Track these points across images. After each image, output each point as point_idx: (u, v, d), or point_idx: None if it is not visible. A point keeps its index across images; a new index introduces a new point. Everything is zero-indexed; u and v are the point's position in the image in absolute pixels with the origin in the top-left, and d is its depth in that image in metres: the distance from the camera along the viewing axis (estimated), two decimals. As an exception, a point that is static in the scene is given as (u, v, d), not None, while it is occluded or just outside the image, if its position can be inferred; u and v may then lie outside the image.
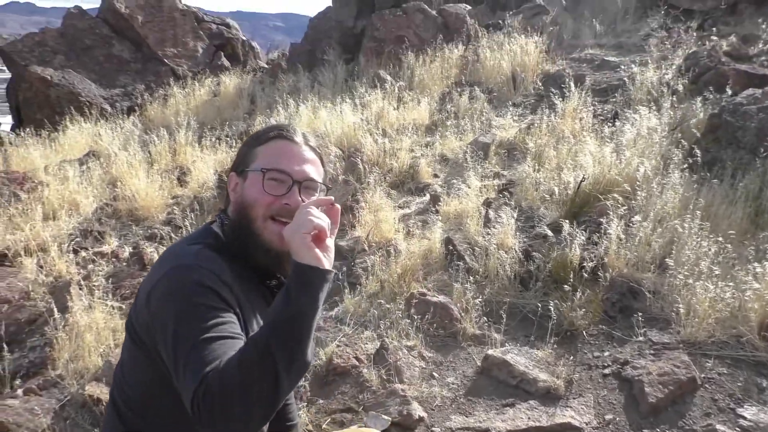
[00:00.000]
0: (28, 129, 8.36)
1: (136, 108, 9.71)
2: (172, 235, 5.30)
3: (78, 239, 5.44)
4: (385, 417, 3.18)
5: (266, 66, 12.71)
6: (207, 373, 1.29)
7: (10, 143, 7.87)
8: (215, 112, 9.25)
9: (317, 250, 1.40)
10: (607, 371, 3.49)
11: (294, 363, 1.31)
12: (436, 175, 6.39)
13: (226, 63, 12.69)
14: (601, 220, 4.50)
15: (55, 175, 6.58)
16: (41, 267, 5.00)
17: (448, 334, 3.96)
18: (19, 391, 3.53)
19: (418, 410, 3.24)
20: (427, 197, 5.81)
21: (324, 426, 3.24)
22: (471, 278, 4.30)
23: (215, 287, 1.48)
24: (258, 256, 1.63)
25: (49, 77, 9.47)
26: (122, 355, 1.73)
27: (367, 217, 5.17)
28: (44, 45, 10.69)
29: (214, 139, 7.02)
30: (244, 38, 13.86)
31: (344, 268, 4.65)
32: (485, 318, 4.02)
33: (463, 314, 4.05)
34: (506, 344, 3.80)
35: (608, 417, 3.14)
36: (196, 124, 7.89)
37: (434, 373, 3.63)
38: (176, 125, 7.46)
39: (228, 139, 7.23)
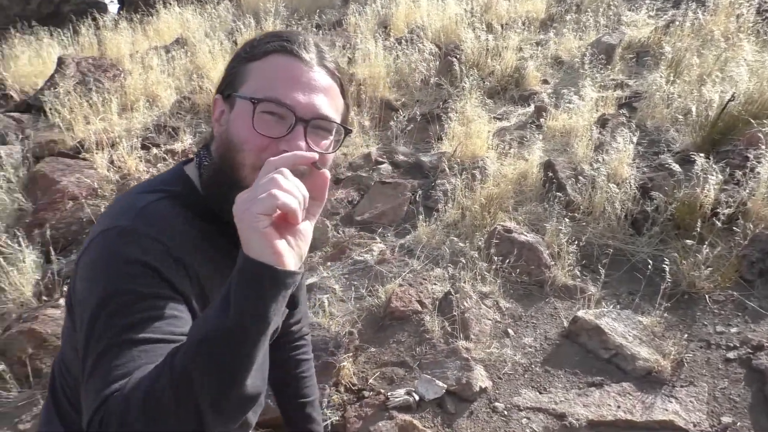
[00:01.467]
0: (128, 12, 8.12)
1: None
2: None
3: (151, 134, 5.17)
4: (440, 383, 2.68)
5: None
6: (110, 394, 0.90)
7: (105, 27, 7.67)
8: (311, 1, 8.54)
9: (277, 242, 0.87)
10: (731, 355, 2.75)
11: (225, 400, 0.88)
12: (545, 81, 5.46)
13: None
14: (749, 153, 3.53)
15: (138, 63, 6.31)
16: (112, 162, 4.80)
17: (534, 282, 3.32)
18: (62, 300, 3.35)
19: (480, 379, 2.71)
20: (531, 108, 4.96)
21: (371, 380, 2.80)
22: (570, 214, 3.57)
23: (156, 264, 1.05)
24: (229, 201, 1.10)
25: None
26: (62, 341, 1.31)
27: (456, 128, 4.46)
28: None
29: (301, 29, 6.38)
30: None
31: (419, 191, 4.04)
32: (581, 266, 3.33)
33: (554, 259, 3.37)
34: (603, 303, 3.12)
35: (725, 419, 2.46)
36: (286, 12, 7.26)
37: (509, 330, 3.05)
38: (264, 12, 6.88)
39: (317, 30, 6.59)
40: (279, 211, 0.85)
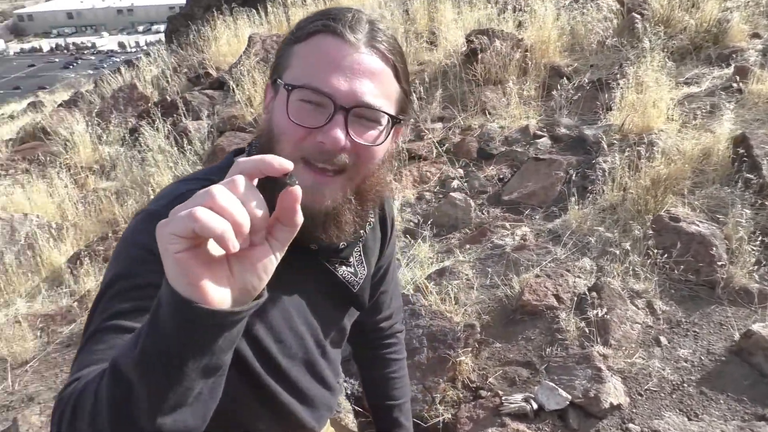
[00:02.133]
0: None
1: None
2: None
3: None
4: (564, 393, 2.36)
5: None
6: (68, 385, 0.86)
7: (294, 4, 8.03)
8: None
9: (194, 271, 0.69)
10: None
11: (127, 424, 0.74)
12: (755, 35, 4.53)
13: None
14: None
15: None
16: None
17: (702, 281, 2.79)
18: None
19: (614, 394, 2.33)
20: (731, 69, 4.15)
21: (490, 379, 2.57)
22: (759, 202, 2.92)
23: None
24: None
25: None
26: None
27: (629, 97, 3.89)
28: None
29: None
30: None
31: (575, 170, 3.60)
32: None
33: (731, 256, 2.79)
34: (792, 315, 2.51)
35: None
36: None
37: (661, 338, 2.60)
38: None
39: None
40: (192, 235, 0.67)
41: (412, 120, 4.54)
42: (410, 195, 3.95)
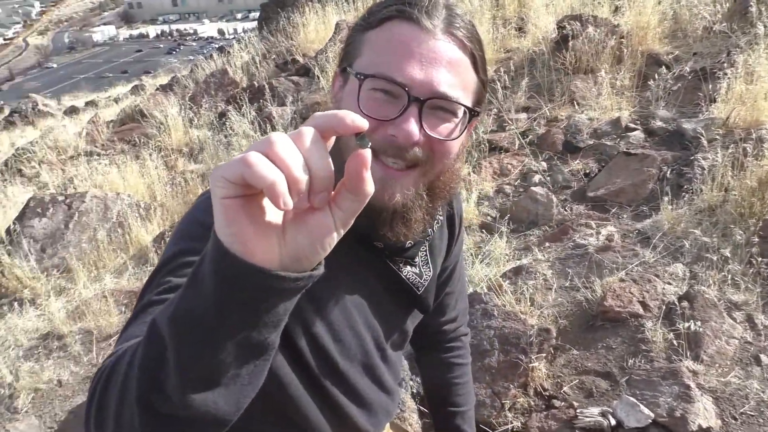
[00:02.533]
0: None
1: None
2: (500, 99, 4.56)
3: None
4: (645, 410, 2.17)
5: None
6: (107, 359, 0.81)
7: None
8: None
9: (239, 222, 0.61)
10: None
11: (159, 398, 0.67)
12: None
13: None
14: None
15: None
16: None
17: (813, 296, 2.49)
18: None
19: (704, 415, 2.12)
20: None
21: (565, 388, 2.42)
22: None
23: None
24: None
25: None
26: None
27: (738, 87, 3.55)
28: None
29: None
30: None
31: (671, 167, 3.32)
32: None
33: None
34: None
35: None
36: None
37: (762, 356, 2.34)
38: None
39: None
40: (244, 183, 0.58)
41: (494, 110, 4.37)
42: (489, 188, 3.79)
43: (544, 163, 3.83)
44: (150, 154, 6.07)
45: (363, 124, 0.62)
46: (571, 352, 2.57)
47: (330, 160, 0.61)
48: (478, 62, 0.99)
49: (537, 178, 3.63)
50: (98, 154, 7.03)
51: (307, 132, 0.60)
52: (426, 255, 1.21)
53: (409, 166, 0.95)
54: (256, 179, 0.56)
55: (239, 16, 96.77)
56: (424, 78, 0.91)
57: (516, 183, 3.81)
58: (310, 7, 8.28)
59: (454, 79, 0.94)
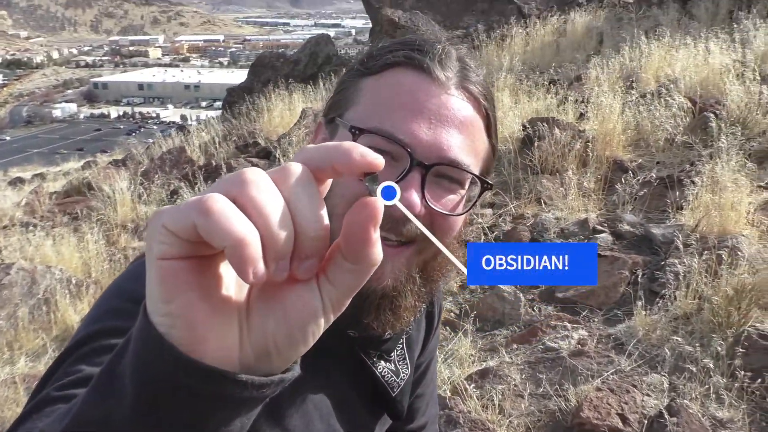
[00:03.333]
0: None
1: (472, 50, 9.18)
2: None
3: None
4: None
5: (629, 0, 10.69)
6: None
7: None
8: (553, 54, 8.03)
9: (185, 295, 0.39)
10: None
11: None
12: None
13: (582, -1, 11.12)
14: None
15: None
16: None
17: (801, 417, 2.31)
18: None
19: None
20: (819, 178, 3.77)
21: None
22: None
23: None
24: None
25: (397, 19, 9.57)
26: None
27: (703, 197, 3.54)
28: (400, -13, 10.95)
29: (532, 84, 5.89)
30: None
31: (642, 270, 3.21)
32: None
33: (838, 389, 2.32)
34: None
35: None
36: (520, 66, 6.84)
37: (754, 484, 2.11)
38: (497, 68, 6.59)
39: (551, 84, 6.04)
40: (205, 238, 0.38)
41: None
42: (453, 283, 3.59)
43: (510, 260, 3.67)
44: (91, 228, 5.69)
45: (377, 160, 0.44)
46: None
47: (324, 211, 0.43)
48: (491, 124, 0.87)
49: (504, 274, 3.46)
50: (35, 225, 6.59)
51: (295, 169, 0.41)
52: (403, 349, 1.03)
53: (403, 242, 0.81)
54: (216, 234, 0.37)
55: (204, 104, 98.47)
56: (431, 139, 0.78)
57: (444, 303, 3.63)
58: (277, 93, 8.31)
59: (466, 144, 0.81)
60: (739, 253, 3.02)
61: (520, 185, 4.38)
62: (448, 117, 0.80)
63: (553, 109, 5.43)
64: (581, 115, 5.10)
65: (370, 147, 0.70)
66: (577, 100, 5.36)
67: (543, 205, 4.14)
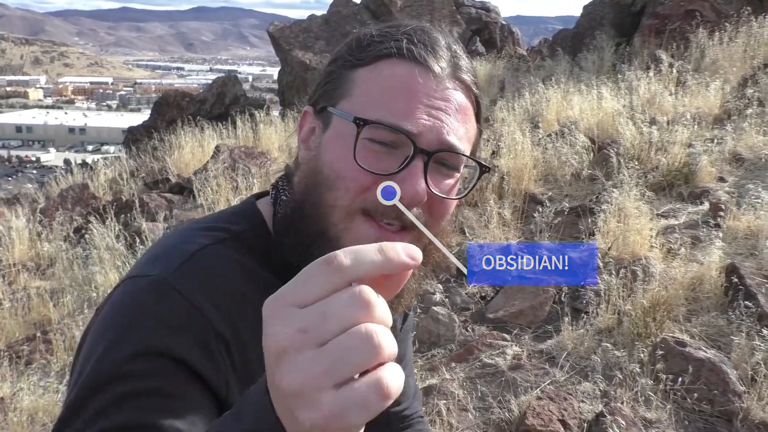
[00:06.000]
0: (287, 111, 8.59)
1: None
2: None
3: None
4: None
5: (524, 53, 11.59)
6: None
7: (262, 121, 8.12)
8: (459, 99, 8.52)
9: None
10: None
11: None
12: (721, 179, 4.71)
13: (481, 49, 11.87)
14: None
15: (285, 152, 6.48)
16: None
17: (717, 412, 2.55)
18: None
19: None
20: (705, 206, 4.23)
21: None
22: (765, 330, 2.78)
23: (186, 354, 0.76)
24: (309, 255, 0.75)
25: (307, 61, 9.77)
26: None
27: (611, 224, 3.86)
28: (309, 31, 11.10)
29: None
30: (503, 23, 12.88)
31: (565, 290, 3.44)
32: (786, 399, 2.51)
33: (746, 386, 2.59)
34: (824, 453, 2.28)
35: None
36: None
37: (684, 474, 2.30)
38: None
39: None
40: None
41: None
42: (387, 308, 3.66)
43: (440, 286, 3.80)
44: (-15, 268, 5.25)
45: (420, 257, 0.50)
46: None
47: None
48: (480, 110, 0.91)
49: (437, 297, 3.57)
50: None
51: (366, 295, 0.45)
52: (396, 329, 1.08)
53: (405, 227, 0.83)
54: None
55: (90, 147, 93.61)
56: (433, 126, 0.81)
57: (414, 303, 3.72)
58: (185, 130, 8.14)
59: (463, 130, 0.85)
60: (650, 270, 3.32)
61: (443, 216, 4.56)
62: (447, 107, 0.83)
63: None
64: (494, 152, 5.42)
65: (371, 139, 0.79)
66: (489, 139, 5.69)
67: (466, 234, 4.33)
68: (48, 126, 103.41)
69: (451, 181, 0.86)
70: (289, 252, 0.88)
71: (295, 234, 0.87)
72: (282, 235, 0.90)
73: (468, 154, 0.86)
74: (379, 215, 0.82)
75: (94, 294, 4.33)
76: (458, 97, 0.85)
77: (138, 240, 5.02)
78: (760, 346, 2.63)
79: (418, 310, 3.54)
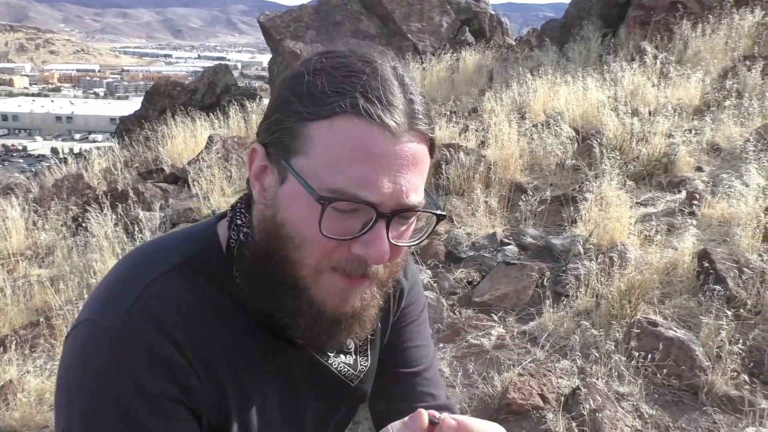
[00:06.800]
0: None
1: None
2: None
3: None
4: (563, 497, 2.18)
5: (512, 43, 11.76)
6: None
7: (253, 111, 8.23)
8: (449, 88, 8.67)
9: None
10: None
11: None
12: (699, 168, 4.90)
13: (470, 38, 12.02)
14: None
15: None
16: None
17: (685, 386, 2.75)
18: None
19: (615, 498, 2.17)
20: (683, 195, 4.42)
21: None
22: (731, 311, 2.98)
23: (178, 392, 0.82)
24: (293, 318, 0.88)
25: (298, 51, 9.90)
26: None
27: (592, 212, 4.05)
28: (299, 21, 11.24)
29: (434, 114, 6.37)
30: (492, 13, 13.05)
31: (547, 275, 3.62)
32: (748, 374, 2.72)
33: (711, 362, 2.79)
34: (780, 421, 2.48)
35: None
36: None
37: (653, 442, 2.49)
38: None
39: (451, 114, 6.55)
40: None
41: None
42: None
43: (429, 271, 3.97)
44: (-15, 257, 5.37)
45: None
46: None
47: None
48: (434, 144, 0.88)
49: (426, 282, 3.75)
50: None
51: None
52: (366, 341, 1.08)
53: (365, 275, 0.86)
54: None
55: (77, 136, 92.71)
56: (392, 191, 0.80)
57: (421, 275, 3.89)
58: (179, 119, 8.25)
59: (419, 183, 0.84)
60: (626, 256, 3.51)
61: (432, 205, 4.73)
62: (405, 165, 0.81)
63: (455, 137, 5.90)
64: (482, 142, 5.59)
65: (336, 207, 0.78)
66: (477, 129, 5.85)
67: (454, 222, 4.50)
68: (34, 114, 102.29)
69: (408, 228, 0.87)
70: (254, 301, 0.89)
71: (263, 285, 0.87)
72: (247, 285, 0.89)
73: (423, 204, 0.85)
74: (347, 271, 0.84)
75: (94, 280, 4.46)
76: (414, 148, 0.82)
77: (137, 228, 5.16)
78: (725, 325, 2.82)
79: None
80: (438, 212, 0.87)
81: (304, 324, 0.87)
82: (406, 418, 0.77)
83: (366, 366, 1.07)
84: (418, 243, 0.90)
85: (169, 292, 0.85)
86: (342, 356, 1.02)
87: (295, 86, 0.83)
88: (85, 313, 0.86)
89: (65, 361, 0.84)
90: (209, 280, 0.89)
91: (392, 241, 0.82)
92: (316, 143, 0.80)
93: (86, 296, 4.19)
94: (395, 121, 0.80)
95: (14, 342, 3.95)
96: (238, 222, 0.92)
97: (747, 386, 2.67)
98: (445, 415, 0.77)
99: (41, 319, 4.26)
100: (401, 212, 0.81)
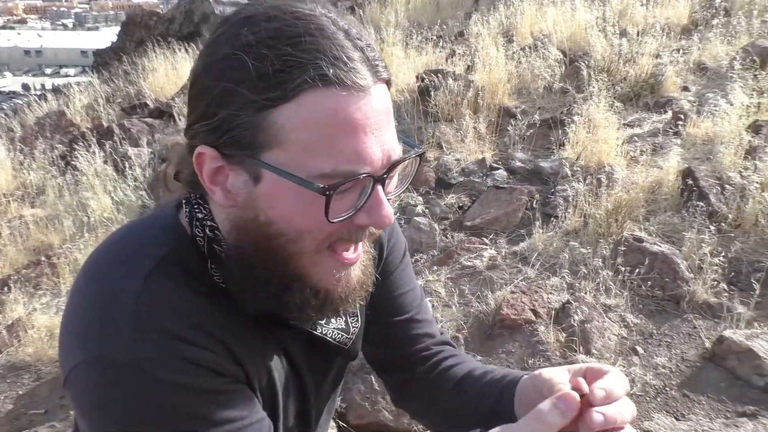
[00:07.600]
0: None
1: (355, 7, 9.41)
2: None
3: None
4: (555, 400, 2.35)
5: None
6: None
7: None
8: (435, 12, 8.49)
9: None
10: None
11: None
12: (685, 88, 4.95)
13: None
14: None
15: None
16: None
17: (668, 297, 2.91)
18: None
19: (603, 399, 2.35)
20: (668, 114, 4.49)
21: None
22: (713, 226, 3.12)
23: (209, 360, 0.78)
24: (301, 311, 0.86)
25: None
26: None
27: (580, 134, 4.11)
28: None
29: (421, 39, 6.30)
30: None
31: (537, 197, 3.73)
32: (727, 283, 2.88)
33: (693, 273, 2.95)
34: (756, 325, 2.66)
35: None
36: (407, 23, 7.23)
37: (638, 348, 2.68)
38: (385, 24, 6.89)
39: (438, 39, 6.47)
40: None
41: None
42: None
43: (420, 198, 4.06)
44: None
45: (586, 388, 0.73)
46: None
47: None
48: (390, 78, 0.82)
49: (419, 208, 3.84)
50: None
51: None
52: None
53: (357, 242, 0.85)
54: None
55: (48, 71, 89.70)
56: (381, 153, 0.76)
57: (396, 216, 3.99)
58: (157, 53, 8.06)
59: (394, 129, 0.80)
60: (613, 177, 3.61)
61: (421, 132, 4.76)
62: (381, 120, 0.76)
63: (441, 62, 5.85)
64: (469, 67, 5.56)
65: (343, 193, 0.74)
66: (464, 54, 5.81)
67: (443, 149, 4.56)
68: (1, 48, 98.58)
69: (395, 176, 0.84)
70: (257, 306, 0.85)
71: (262, 290, 0.83)
72: (242, 294, 0.84)
73: (402, 148, 0.82)
74: (344, 244, 0.82)
75: (91, 218, 4.50)
76: (385, 98, 0.78)
77: (127, 164, 5.16)
78: (707, 239, 2.96)
79: (402, 222, 3.82)
80: (419, 152, 0.84)
81: (312, 312, 0.86)
82: (554, 398, 0.70)
83: (358, 326, 1.04)
84: (401, 191, 0.87)
85: (160, 297, 0.77)
86: (333, 321, 0.98)
87: (234, 73, 0.72)
88: (77, 353, 0.75)
89: (88, 418, 0.77)
90: (191, 275, 0.82)
91: (388, 197, 0.80)
92: (288, 130, 0.72)
93: (86, 233, 4.25)
94: (363, 78, 0.73)
95: (18, 282, 4.04)
96: (199, 215, 0.85)
97: (726, 294, 2.83)
98: (593, 386, 0.73)
99: (42, 258, 4.33)
100: (392, 169, 0.78)
